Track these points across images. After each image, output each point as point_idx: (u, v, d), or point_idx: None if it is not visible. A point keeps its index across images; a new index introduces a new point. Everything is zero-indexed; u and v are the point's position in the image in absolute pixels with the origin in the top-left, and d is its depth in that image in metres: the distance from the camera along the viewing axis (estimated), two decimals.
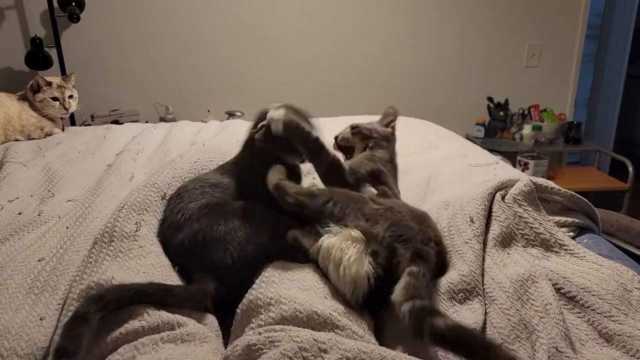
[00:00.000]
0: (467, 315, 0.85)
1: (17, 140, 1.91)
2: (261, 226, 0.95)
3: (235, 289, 0.88)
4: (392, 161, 1.25)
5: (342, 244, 0.87)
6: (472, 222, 1.06)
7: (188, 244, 0.94)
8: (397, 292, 0.81)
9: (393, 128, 1.30)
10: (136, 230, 0.98)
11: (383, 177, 1.15)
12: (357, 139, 1.26)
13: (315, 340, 0.68)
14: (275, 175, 1.03)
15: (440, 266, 0.95)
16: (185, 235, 0.95)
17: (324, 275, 0.90)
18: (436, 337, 0.73)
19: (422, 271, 0.85)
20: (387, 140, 1.27)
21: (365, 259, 0.85)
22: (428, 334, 0.73)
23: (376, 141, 1.24)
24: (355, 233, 0.88)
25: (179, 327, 0.76)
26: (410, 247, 0.88)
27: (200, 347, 0.74)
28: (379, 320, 0.88)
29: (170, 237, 0.98)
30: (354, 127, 1.28)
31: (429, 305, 0.78)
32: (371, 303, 0.86)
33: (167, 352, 0.70)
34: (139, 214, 1.02)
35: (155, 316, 0.76)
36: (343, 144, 1.27)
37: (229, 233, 0.93)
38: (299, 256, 0.93)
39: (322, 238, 0.90)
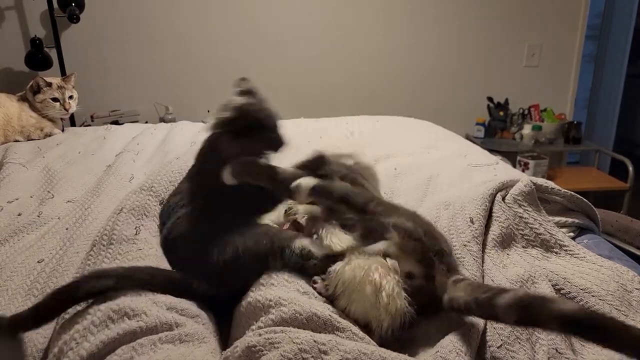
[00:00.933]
0: (468, 319, 0.85)
1: (16, 140, 1.91)
2: (260, 235, 0.92)
3: (229, 287, 0.87)
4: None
5: (381, 269, 0.78)
6: (472, 222, 1.06)
7: (185, 247, 0.93)
8: (469, 291, 0.76)
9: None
10: (135, 234, 0.97)
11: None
12: None
13: (315, 341, 0.68)
14: (307, 180, 0.93)
15: None
16: (183, 240, 0.94)
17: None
18: (564, 322, 0.66)
19: (461, 279, 0.80)
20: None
21: (402, 293, 0.78)
22: (552, 319, 0.67)
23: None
24: (391, 262, 0.80)
25: (177, 327, 0.76)
26: (445, 261, 0.83)
27: (198, 348, 0.74)
28: None
29: (171, 244, 0.98)
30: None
31: (533, 293, 0.74)
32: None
33: (165, 353, 0.70)
34: (138, 218, 1.02)
35: (153, 317, 0.76)
36: None
37: (227, 237, 0.92)
38: (306, 265, 0.87)
39: (351, 258, 0.82)
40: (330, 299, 0.83)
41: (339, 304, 0.81)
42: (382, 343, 0.77)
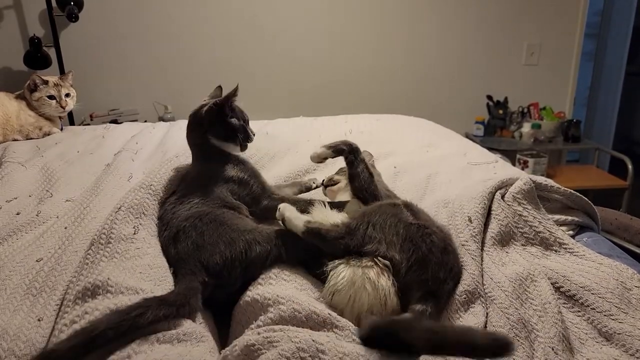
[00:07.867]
0: (469, 319, 0.85)
1: (15, 140, 1.91)
2: (263, 237, 0.94)
3: (231, 286, 0.88)
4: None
5: (375, 268, 0.83)
6: (470, 221, 1.06)
7: (188, 245, 0.93)
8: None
9: None
10: (134, 233, 0.97)
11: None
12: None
13: (313, 340, 0.68)
14: (298, 218, 0.92)
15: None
16: (185, 239, 0.94)
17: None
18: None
19: (427, 310, 0.80)
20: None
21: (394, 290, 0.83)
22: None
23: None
24: (383, 261, 0.84)
25: (175, 327, 0.76)
26: (426, 288, 0.83)
27: (196, 347, 0.74)
28: None
29: (168, 242, 0.97)
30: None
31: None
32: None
33: (162, 352, 0.70)
34: (137, 217, 1.01)
35: None
36: None
37: (230, 236, 0.92)
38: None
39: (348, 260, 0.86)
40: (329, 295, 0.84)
41: (338, 299, 0.82)
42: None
